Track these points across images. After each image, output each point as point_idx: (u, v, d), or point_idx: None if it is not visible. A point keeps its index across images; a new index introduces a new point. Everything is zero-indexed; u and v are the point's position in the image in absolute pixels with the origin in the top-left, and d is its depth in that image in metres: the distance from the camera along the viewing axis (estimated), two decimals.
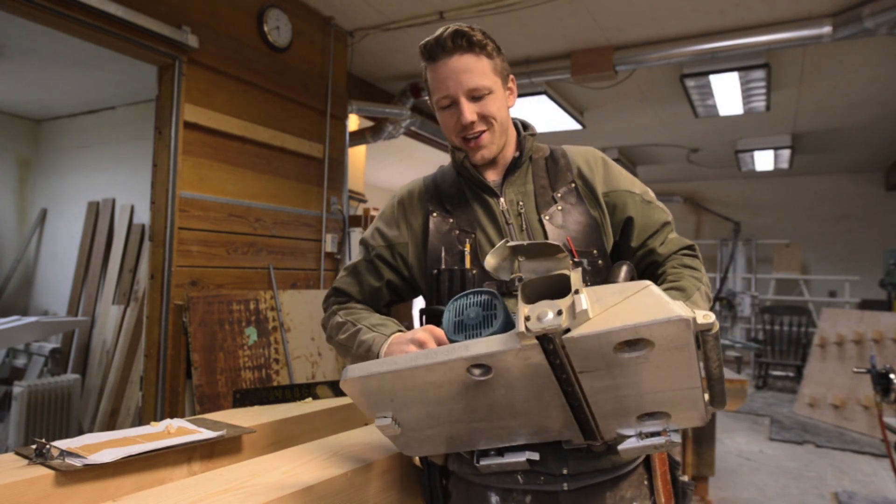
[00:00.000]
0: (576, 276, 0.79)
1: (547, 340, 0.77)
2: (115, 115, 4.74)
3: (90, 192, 4.76)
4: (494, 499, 1.10)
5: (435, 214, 1.20)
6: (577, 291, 0.76)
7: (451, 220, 1.18)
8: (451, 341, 0.90)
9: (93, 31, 2.43)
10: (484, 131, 1.14)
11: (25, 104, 4.88)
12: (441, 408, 0.89)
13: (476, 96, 1.12)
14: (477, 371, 0.82)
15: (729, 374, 3.25)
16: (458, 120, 1.13)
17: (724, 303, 7.96)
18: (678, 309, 0.71)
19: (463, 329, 0.90)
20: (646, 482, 1.16)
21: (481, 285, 1.10)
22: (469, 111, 1.11)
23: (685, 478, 1.22)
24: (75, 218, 4.80)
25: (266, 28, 3.19)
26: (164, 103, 2.76)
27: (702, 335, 0.77)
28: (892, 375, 2.37)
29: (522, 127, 1.26)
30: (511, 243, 0.83)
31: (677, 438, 0.86)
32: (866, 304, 6.86)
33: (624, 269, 1.06)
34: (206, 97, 2.87)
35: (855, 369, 2.56)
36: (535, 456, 0.97)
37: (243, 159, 3.08)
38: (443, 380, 0.84)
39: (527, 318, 0.76)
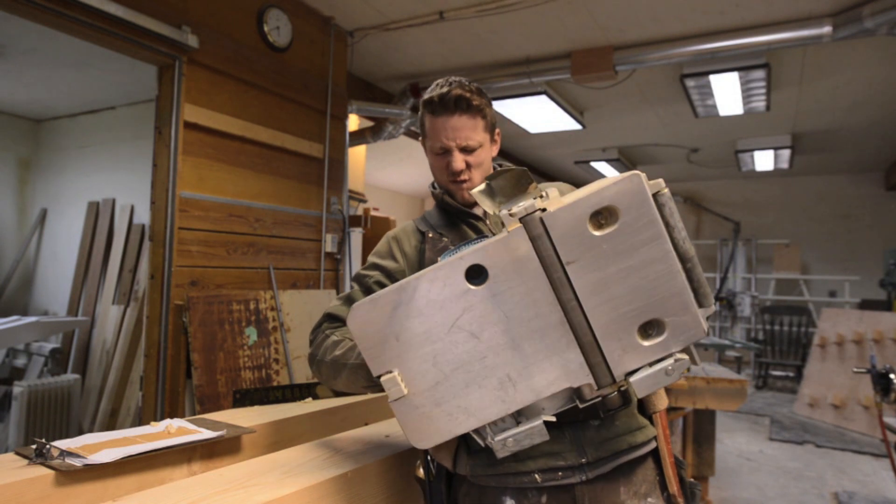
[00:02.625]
0: (551, 192, 0.92)
1: (530, 223, 0.88)
2: (115, 115, 4.74)
3: (90, 192, 4.76)
4: (510, 502, 1.10)
5: (430, 234, 1.32)
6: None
7: (445, 239, 1.29)
8: None
9: (93, 31, 2.43)
10: (468, 179, 1.29)
11: (25, 104, 4.88)
12: (446, 343, 0.92)
13: (467, 149, 1.28)
14: (475, 281, 0.90)
15: (729, 374, 3.25)
16: (448, 165, 1.28)
17: (724, 303, 7.96)
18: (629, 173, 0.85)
19: None
20: (657, 477, 1.17)
21: None
22: (459, 160, 1.27)
23: (691, 479, 1.22)
24: (75, 218, 4.80)
25: (266, 28, 3.19)
26: (164, 103, 2.76)
27: (657, 200, 0.87)
28: (892, 375, 2.37)
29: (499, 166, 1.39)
30: (486, 177, 0.97)
31: (683, 357, 0.90)
32: (866, 304, 6.86)
33: None
34: (206, 97, 2.87)
35: (855, 369, 2.56)
36: (552, 418, 0.95)
37: (243, 159, 3.08)
38: (443, 296, 0.90)
39: (509, 210, 0.89)
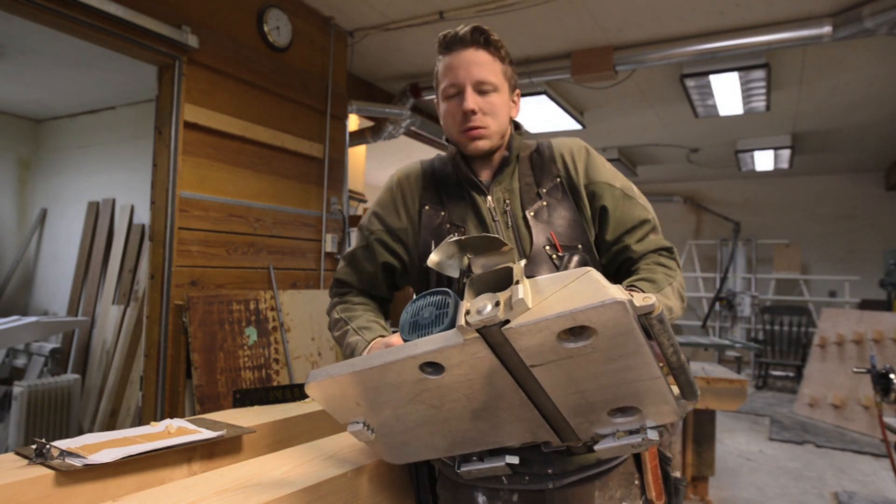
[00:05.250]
0: (518, 268, 0.78)
1: (488, 333, 0.76)
2: (115, 115, 4.74)
3: (90, 192, 4.76)
4: (481, 499, 1.10)
5: (427, 207, 1.20)
6: (516, 283, 0.76)
7: (443, 214, 1.19)
8: (407, 342, 0.90)
9: (93, 31, 2.43)
10: (482, 127, 1.14)
11: (25, 104, 4.88)
12: (407, 409, 0.89)
13: (482, 90, 1.13)
14: (429, 369, 0.82)
15: (729, 374, 3.25)
16: (459, 108, 1.13)
17: (724, 303, 7.96)
18: (614, 292, 0.71)
19: (416, 329, 0.89)
20: (636, 481, 1.14)
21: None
22: (472, 100, 1.12)
23: (677, 474, 1.21)
24: (75, 218, 4.80)
25: (266, 28, 3.19)
26: (164, 103, 2.76)
27: (646, 319, 0.75)
28: (892, 375, 2.37)
29: (514, 128, 1.26)
30: (454, 239, 0.84)
31: (654, 436, 0.84)
32: (866, 304, 6.86)
33: (575, 259, 1.08)
34: (207, 97, 2.87)
35: (855, 369, 2.56)
36: (515, 460, 0.96)
37: (243, 159, 3.08)
38: (399, 380, 0.84)
39: (467, 312, 0.76)
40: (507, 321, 0.74)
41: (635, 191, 1.21)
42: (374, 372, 0.84)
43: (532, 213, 1.15)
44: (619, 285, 0.75)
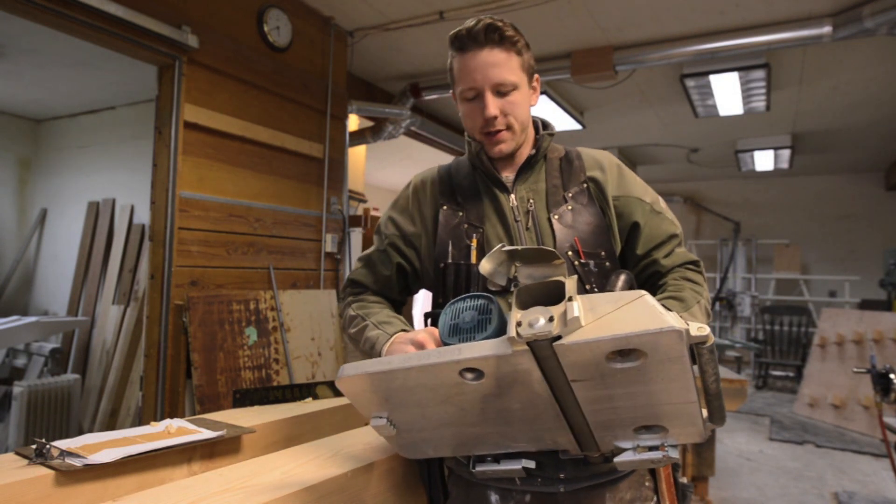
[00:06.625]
0: (570, 284, 0.78)
1: (538, 347, 0.77)
2: (115, 115, 4.74)
3: (90, 192, 4.76)
4: (494, 497, 1.10)
5: (445, 208, 1.20)
6: (570, 299, 0.76)
7: (461, 214, 1.18)
8: (446, 345, 0.90)
9: (93, 31, 2.43)
10: (503, 129, 1.15)
11: (25, 104, 4.88)
12: (436, 410, 0.90)
13: (501, 91, 1.13)
14: (469, 375, 0.83)
15: (729, 374, 3.25)
16: (481, 113, 1.13)
17: (724, 303, 7.96)
18: (671, 320, 0.71)
19: (457, 332, 0.89)
20: (647, 484, 1.15)
21: (486, 282, 1.10)
22: (493, 106, 1.12)
23: (685, 479, 1.21)
24: (75, 218, 4.80)
25: (266, 28, 3.19)
26: (164, 103, 2.76)
27: (696, 348, 0.77)
28: (892, 375, 2.37)
29: (542, 126, 1.25)
30: (506, 248, 0.84)
31: (675, 454, 0.85)
32: (866, 304, 6.86)
33: (622, 278, 1.07)
34: (207, 97, 2.87)
35: (855, 369, 2.56)
36: (531, 464, 0.97)
37: (243, 159, 3.08)
38: (435, 382, 0.85)
39: (518, 324, 0.76)
40: (559, 337, 0.74)
41: (662, 204, 1.22)
42: (411, 372, 0.84)
43: (557, 216, 1.14)
44: (673, 312, 0.76)
